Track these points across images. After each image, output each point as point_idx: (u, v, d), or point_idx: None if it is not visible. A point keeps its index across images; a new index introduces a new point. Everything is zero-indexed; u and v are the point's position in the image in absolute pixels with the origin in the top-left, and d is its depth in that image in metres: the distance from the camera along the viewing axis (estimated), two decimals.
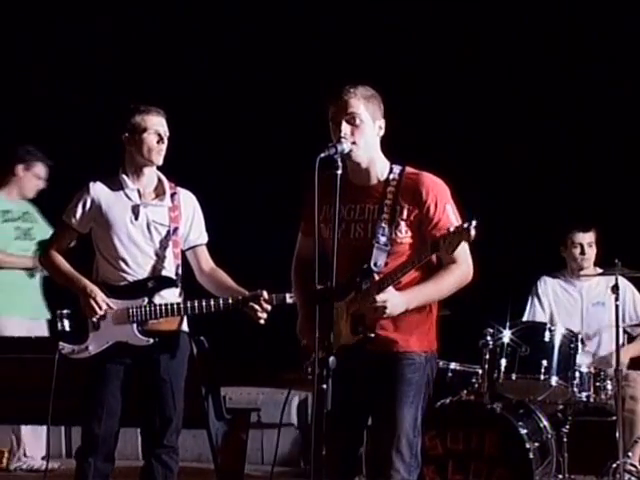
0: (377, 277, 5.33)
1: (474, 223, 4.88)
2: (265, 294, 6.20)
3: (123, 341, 6.27)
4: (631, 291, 8.05)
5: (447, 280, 5.34)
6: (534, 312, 8.31)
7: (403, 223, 5.33)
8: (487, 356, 7.53)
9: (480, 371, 7.57)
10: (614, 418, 7.64)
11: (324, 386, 5.10)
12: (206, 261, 6.56)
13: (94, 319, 6.26)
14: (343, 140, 5.22)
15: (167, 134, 6.34)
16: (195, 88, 11.60)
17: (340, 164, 5.16)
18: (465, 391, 7.39)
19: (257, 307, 6.19)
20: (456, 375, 7.86)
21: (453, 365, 7.85)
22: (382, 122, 5.46)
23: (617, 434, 7.58)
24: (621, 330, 7.72)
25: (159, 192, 6.45)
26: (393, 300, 5.16)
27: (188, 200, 6.55)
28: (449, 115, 8.97)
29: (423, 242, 5.27)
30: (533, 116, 10.88)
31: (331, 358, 5.07)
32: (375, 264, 5.33)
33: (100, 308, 6.21)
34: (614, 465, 7.54)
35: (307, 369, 5.48)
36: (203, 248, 6.57)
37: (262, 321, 6.21)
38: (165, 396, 6.34)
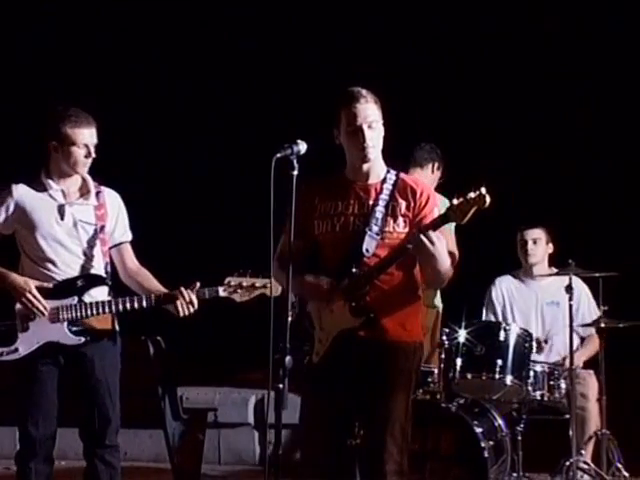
0: (367, 262, 5.63)
1: (484, 191, 5.28)
2: (190, 290, 6.20)
3: (54, 341, 6.27)
4: (586, 294, 8.32)
5: (448, 259, 5.67)
6: (491, 311, 8.51)
7: (401, 218, 5.69)
8: (443, 355, 7.60)
9: (436, 370, 7.62)
10: (567, 416, 7.83)
11: (280, 385, 5.20)
12: (131, 259, 6.58)
13: (27, 316, 6.22)
14: (299, 141, 5.35)
15: (95, 144, 6.33)
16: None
17: (296, 165, 5.34)
18: (421, 390, 7.39)
19: (177, 303, 6.19)
20: None
21: None
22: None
23: (570, 432, 7.79)
24: (572, 331, 7.84)
25: (84, 191, 6.43)
26: (441, 240, 5.47)
27: (113, 198, 6.55)
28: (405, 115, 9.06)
29: None
30: (495, 118, 10.96)
31: (287, 358, 5.21)
32: (367, 250, 5.62)
33: (33, 302, 6.17)
34: (567, 463, 7.75)
35: (305, 351, 5.81)
36: (127, 246, 6.59)
37: (182, 314, 6.20)
38: (102, 396, 6.35)
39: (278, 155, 5.30)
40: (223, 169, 10.15)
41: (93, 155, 6.34)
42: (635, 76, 10.85)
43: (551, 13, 11.03)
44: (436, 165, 7.82)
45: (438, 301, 8.20)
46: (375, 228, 5.68)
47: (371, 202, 5.75)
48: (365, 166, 5.77)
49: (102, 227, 6.38)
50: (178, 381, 8.71)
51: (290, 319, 5.48)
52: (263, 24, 11.44)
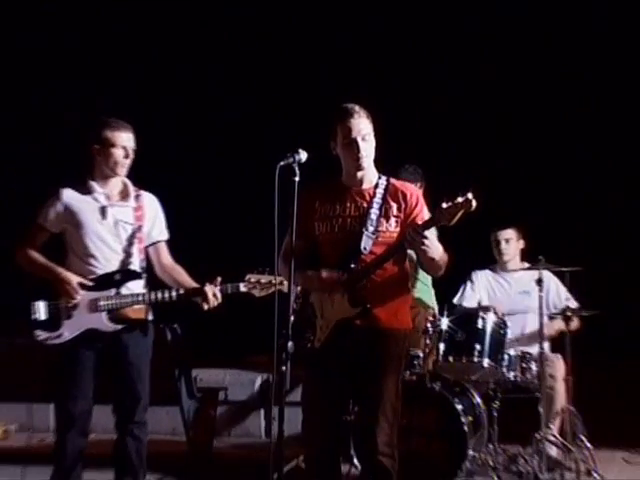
0: (365, 259, 5.66)
1: (470, 196, 5.28)
2: (218, 283, 6.31)
3: (94, 328, 6.34)
4: (555, 282, 8.28)
5: (441, 248, 5.69)
6: (464, 296, 8.49)
7: (394, 219, 5.72)
8: (427, 341, 7.58)
9: (421, 354, 7.59)
10: (537, 395, 7.77)
11: (283, 368, 5.20)
12: (166, 256, 6.66)
13: (70, 305, 6.27)
14: (300, 150, 5.36)
15: (133, 148, 6.45)
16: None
17: (298, 171, 5.35)
18: (408, 372, 7.35)
19: (206, 296, 6.29)
20: None
21: None
22: None
23: (540, 409, 7.73)
24: (545, 317, 7.83)
25: (124, 194, 6.55)
26: (432, 238, 5.52)
27: (151, 201, 6.65)
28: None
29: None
30: (475, 130, 10.99)
31: (289, 343, 5.21)
32: (364, 248, 5.66)
33: (77, 292, 6.26)
34: (537, 436, 7.65)
35: (308, 337, 5.79)
36: (163, 244, 6.67)
37: (206, 307, 6.32)
38: (134, 378, 6.43)
39: (281, 163, 5.32)
40: (234, 179, 10.10)
41: (131, 156, 6.45)
42: (597, 76, 10.83)
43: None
44: (419, 184, 7.83)
45: (433, 302, 8.26)
46: (371, 228, 5.71)
47: (366, 205, 5.77)
48: (359, 173, 5.79)
49: (140, 227, 6.48)
50: (192, 364, 8.77)
51: (295, 309, 5.64)
52: (270, 44, 11.39)
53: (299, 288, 5.87)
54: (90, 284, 6.32)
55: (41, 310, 6.34)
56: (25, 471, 6.88)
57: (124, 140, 6.39)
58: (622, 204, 10.57)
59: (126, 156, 6.40)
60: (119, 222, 6.43)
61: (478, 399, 7.69)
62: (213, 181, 10.66)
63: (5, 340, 6.73)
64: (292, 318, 5.44)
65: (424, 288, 8.14)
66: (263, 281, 6.17)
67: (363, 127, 5.69)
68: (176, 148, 10.86)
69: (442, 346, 7.51)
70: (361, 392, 5.76)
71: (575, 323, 8.03)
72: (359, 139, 5.67)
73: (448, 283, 7.60)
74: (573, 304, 8.03)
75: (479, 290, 8.47)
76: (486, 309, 7.82)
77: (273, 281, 6.08)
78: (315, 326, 5.81)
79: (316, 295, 5.83)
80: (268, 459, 5.60)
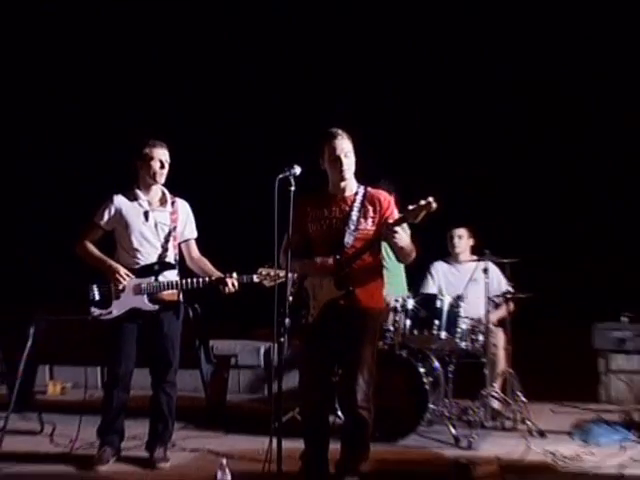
0: (347, 252, 5.71)
1: (432, 199, 5.36)
2: (235, 275, 6.40)
3: (137, 307, 6.49)
4: (496, 273, 8.24)
5: (410, 242, 5.83)
6: (427, 284, 8.49)
7: (370, 219, 5.80)
8: (397, 317, 7.58)
9: (392, 328, 7.58)
10: (483, 360, 7.82)
11: (282, 339, 5.37)
12: (194, 250, 6.75)
13: (119, 289, 6.41)
14: (295, 165, 5.50)
15: (168, 161, 6.56)
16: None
17: (293, 182, 5.47)
18: (382, 342, 7.35)
19: (227, 284, 6.39)
20: None
21: None
22: None
23: (485, 371, 7.79)
24: (488, 300, 7.85)
25: (162, 201, 6.66)
26: (402, 232, 5.63)
27: (183, 206, 6.73)
28: None
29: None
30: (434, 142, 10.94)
31: (287, 320, 5.38)
32: (347, 243, 5.74)
33: (124, 279, 6.39)
34: (483, 392, 7.72)
35: (303, 315, 5.89)
36: (193, 241, 6.76)
37: (227, 292, 6.41)
38: (167, 347, 6.55)
39: (280, 176, 5.45)
40: (245, 189, 10.14)
41: (166, 167, 6.54)
42: (534, 75, 10.78)
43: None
44: (392, 193, 7.84)
45: (404, 288, 8.20)
46: (352, 227, 5.78)
47: (348, 209, 5.83)
48: (343, 183, 5.85)
49: (174, 227, 6.59)
50: (209, 336, 8.76)
51: (292, 292, 5.75)
52: (273, 78, 11.36)
53: (296, 276, 5.93)
54: (130, 276, 6.41)
55: (96, 292, 6.49)
56: (81, 419, 6.86)
57: (160, 154, 6.51)
58: (552, 211, 10.64)
59: (162, 167, 6.51)
60: (158, 224, 6.55)
61: (437, 363, 7.71)
62: (229, 192, 10.70)
63: (63, 316, 6.79)
64: (290, 300, 5.57)
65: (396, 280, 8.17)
66: (272, 274, 6.18)
67: (345, 146, 5.77)
68: (204, 167, 10.86)
69: (408, 322, 7.50)
70: (344, 358, 5.82)
71: (512, 304, 8.09)
72: (342, 156, 5.75)
73: (416, 269, 7.67)
74: (511, 289, 8.05)
75: (438, 279, 8.48)
76: (441, 293, 7.92)
77: (280, 274, 6.04)
78: (308, 306, 5.87)
79: (309, 280, 5.89)
80: (270, 411, 5.71)
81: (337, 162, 5.76)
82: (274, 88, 11.21)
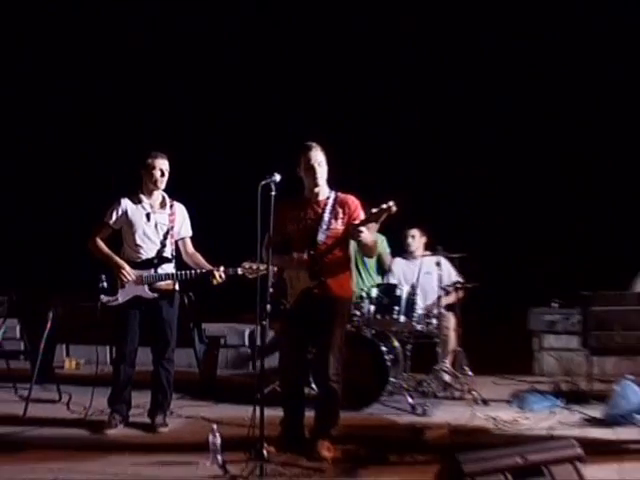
0: (320, 248, 5.71)
1: (392, 203, 5.36)
2: (222, 268, 6.37)
3: (139, 295, 6.49)
4: (447, 266, 8.22)
5: (374, 241, 5.86)
6: (389, 278, 8.39)
7: (340, 220, 5.79)
8: (362, 304, 7.59)
9: (358, 313, 7.56)
10: (436, 340, 7.82)
11: (264, 322, 5.36)
12: (189, 246, 6.71)
13: (123, 281, 6.40)
14: (276, 173, 5.46)
15: (167, 170, 6.55)
16: None
17: (274, 188, 5.44)
18: (350, 325, 7.28)
19: (215, 276, 6.35)
20: None
21: None
22: None
23: (438, 349, 7.83)
24: (440, 290, 7.92)
25: (162, 204, 6.64)
26: (367, 231, 5.58)
27: (180, 209, 6.71)
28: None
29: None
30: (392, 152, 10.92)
31: (268, 306, 5.38)
32: (320, 240, 5.73)
33: (127, 275, 6.39)
34: (436, 367, 7.78)
35: (282, 302, 5.92)
36: (188, 239, 6.73)
37: (215, 282, 6.37)
38: (165, 329, 6.55)
39: (262, 182, 5.41)
40: (232, 195, 10.12)
41: (166, 175, 6.53)
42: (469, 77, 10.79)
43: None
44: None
45: (374, 279, 8.31)
46: (324, 226, 5.78)
47: (321, 211, 5.83)
48: (316, 189, 5.85)
49: (172, 227, 6.58)
50: (202, 319, 8.70)
51: (272, 282, 5.66)
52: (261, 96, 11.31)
53: (276, 269, 5.92)
54: (132, 273, 6.41)
55: (105, 282, 6.47)
56: (89, 390, 6.97)
57: (160, 164, 6.50)
58: (495, 212, 10.68)
59: (162, 175, 6.50)
60: (158, 224, 6.54)
61: (396, 343, 7.70)
62: (221, 197, 10.64)
63: (77, 303, 6.82)
64: (271, 289, 5.55)
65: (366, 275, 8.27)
66: (254, 267, 6.14)
67: (319, 157, 5.77)
68: (202, 177, 10.87)
69: (372, 307, 7.50)
70: (318, 339, 5.82)
71: (461, 292, 8.15)
72: (316, 165, 5.76)
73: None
74: (460, 279, 8.11)
75: (397, 272, 8.42)
76: (400, 284, 7.93)
77: (261, 268, 6.04)
78: (287, 294, 5.89)
79: (287, 273, 5.89)
80: (254, 384, 5.72)
81: (311, 170, 5.76)
82: (260, 107, 11.20)
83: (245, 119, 11.30)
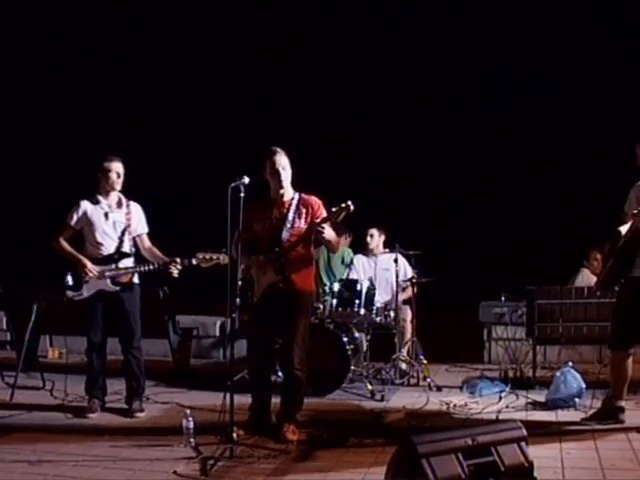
0: (284, 245, 5.70)
1: (350, 202, 5.36)
2: (178, 259, 6.34)
3: (102, 289, 6.47)
4: (404, 262, 8.23)
5: (335, 238, 5.82)
6: (350, 274, 8.40)
7: (303, 220, 5.78)
8: (324, 298, 7.61)
9: (321, 306, 7.59)
10: (394, 331, 7.83)
11: (233, 315, 5.35)
12: (146, 242, 6.67)
13: (86, 278, 6.38)
14: (244, 176, 5.43)
15: (122, 172, 6.53)
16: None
17: (243, 189, 5.42)
18: (313, 317, 7.26)
19: (172, 267, 6.33)
20: None
21: None
22: None
23: (395, 340, 7.81)
24: (397, 285, 7.91)
25: (119, 204, 6.61)
26: (328, 229, 5.58)
27: (136, 208, 6.68)
28: None
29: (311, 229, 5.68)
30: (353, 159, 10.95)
31: (237, 299, 5.33)
32: (284, 238, 5.73)
33: (90, 272, 6.36)
34: (393, 356, 7.76)
35: (250, 295, 6.00)
36: (145, 235, 6.69)
37: (176, 274, 6.35)
38: (129, 319, 6.54)
39: (232, 184, 5.39)
40: (203, 195, 10.09)
41: (121, 177, 6.50)
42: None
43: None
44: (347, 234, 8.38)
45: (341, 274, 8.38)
46: (288, 225, 5.78)
47: (285, 211, 5.82)
48: (281, 191, 5.83)
49: (129, 225, 6.55)
50: (176, 312, 8.64)
51: (241, 278, 5.77)
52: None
53: (244, 265, 5.96)
54: (95, 269, 6.38)
55: (69, 278, 6.45)
56: (73, 377, 7.01)
57: (116, 167, 6.47)
58: (448, 212, 10.74)
59: (118, 177, 6.48)
60: (116, 222, 6.52)
61: (357, 334, 7.71)
62: (195, 198, 10.65)
63: (59, 296, 6.80)
64: (239, 283, 5.53)
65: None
66: (207, 257, 6.16)
67: (283, 161, 5.76)
68: (181, 182, 10.84)
69: (334, 301, 7.50)
70: (283, 330, 5.80)
71: (416, 287, 8.12)
72: (280, 169, 5.74)
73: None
74: (415, 275, 8.09)
75: (358, 269, 8.42)
76: (361, 279, 7.93)
77: (213, 257, 6.11)
78: (254, 288, 5.90)
79: (254, 269, 5.92)
80: (224, 372, 5.70)
81: (276, 174, 5.74)
82: (231, 114, 11.18)
83: (217, 126, 11.28)
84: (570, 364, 6.74)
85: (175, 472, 4.94)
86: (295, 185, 5.91)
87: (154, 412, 6.63)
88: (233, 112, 11.26)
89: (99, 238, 6.47)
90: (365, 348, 7.84)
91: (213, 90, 11.40)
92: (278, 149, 5.80)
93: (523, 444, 4.08)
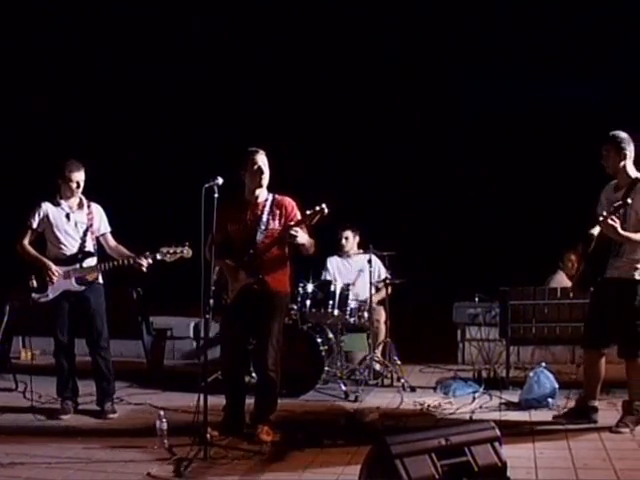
0: (258, 247, 5.69)
1: (324, 205, 5.39)
2: (148, 253, 6.29)
3: (68, 289, 6.46)
4: (378, 264, 8.28)
5: (309, 240, 5.72)
6: (325, 275, 8.43)
7: (277, 221, 5.77)
8: (299, 298, 7.58)
9: (295, 307, 7.55)
10: (368, 332, 7.86)
11: (207, 316, 5.32)
12: (111, 241, 6.67)
13: (52, 279, 6.36)
14: (218, 177, 5.39)
15: (83, 181, 6.48)
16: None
17: (216, 190, 5.37)
18: (287, 318, 7.24)
19: (140, 263, 6.29)
20: None
21: None
22: None
23: (369, 340, 7.84)
24: (371, 285, 7.91)
25: (80, 205, 6.59)
26: (301, 233, 5.58)
27: (97, 208, 6.67)
28: None
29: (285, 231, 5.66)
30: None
31: (211, 300, 5.32)
32: (258, 240, 5.73)
33: (54, 274, 6.35)
34: (367, 357, 7.76)
35: (224, 297, 5.99)
36: (108, 234, 6.68)
37: (144, 269, 6.33)
38: (96, 319, 6.53)
39: (206, 185, 5.36)
40: (178, 196, 10.04)
41: (81, 186, 6.48)
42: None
43: None
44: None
45: None
46: (262, 227, 5.77)
47: (259, 212, 5.81)
48: (257, 191, 5.83)
49: (91, 225, 6.55)
50: (150, 312, 8.63)
51: (215, 280, 5.67)
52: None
53: (218, 267, 5.96)
54: (58, 270, 6.36)
55: (34, 281, 6.43)
56: (46, 379, 6.99)
57: (77, 177, 6.44)
58: (423, 214, 10.78)
59: (78, 187, 6.47)
60: (78, 223, 6.51)
61: (331, 335, 7.72)
62: (170, 199, 10.63)
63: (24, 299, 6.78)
64: (213, 287, 5.51)
65: None
66: (171, 251, 6.17)
67: (264, 162, 5.76)
68: (156, 184, 10.80)
69: (308, 302, 7.51)
70: (257, 331, 5.79)
71: (390, 288, 8.13)
72: (264, 168, 5.76)
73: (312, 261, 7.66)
74: (389, 276, 8.12)
75: (332, 271, 8.45)
76: (335, 280, 7.94)
77: (177, 251, 6.13)
78: (228, 290, 5.89)
79: (228, 271, 5.89)
80: (198, 373, 5.68)
81: (258, 173, 5.74)
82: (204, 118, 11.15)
83: (192, 128, 11.26)
84: (543, 364, 6.80)
85: (149, 474, 4.91)
86: (268, 186, 5.90)
87: (128, 413, 6.60)
88: (205, 113, 11.24)
89: (62, 239, 6.47)
90: (339, 349, 7.79)
91: (187, 90, 11.37)
92: (260, 150, 5.81)
93: (497, 444, 4.10)
